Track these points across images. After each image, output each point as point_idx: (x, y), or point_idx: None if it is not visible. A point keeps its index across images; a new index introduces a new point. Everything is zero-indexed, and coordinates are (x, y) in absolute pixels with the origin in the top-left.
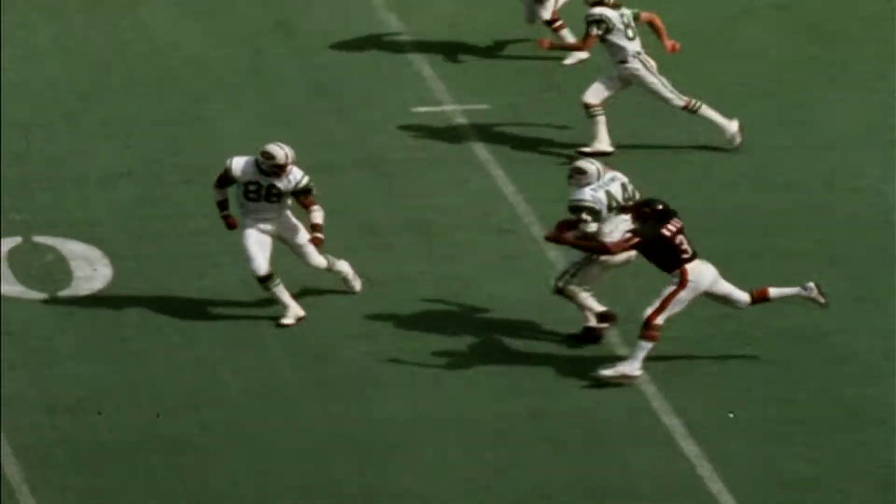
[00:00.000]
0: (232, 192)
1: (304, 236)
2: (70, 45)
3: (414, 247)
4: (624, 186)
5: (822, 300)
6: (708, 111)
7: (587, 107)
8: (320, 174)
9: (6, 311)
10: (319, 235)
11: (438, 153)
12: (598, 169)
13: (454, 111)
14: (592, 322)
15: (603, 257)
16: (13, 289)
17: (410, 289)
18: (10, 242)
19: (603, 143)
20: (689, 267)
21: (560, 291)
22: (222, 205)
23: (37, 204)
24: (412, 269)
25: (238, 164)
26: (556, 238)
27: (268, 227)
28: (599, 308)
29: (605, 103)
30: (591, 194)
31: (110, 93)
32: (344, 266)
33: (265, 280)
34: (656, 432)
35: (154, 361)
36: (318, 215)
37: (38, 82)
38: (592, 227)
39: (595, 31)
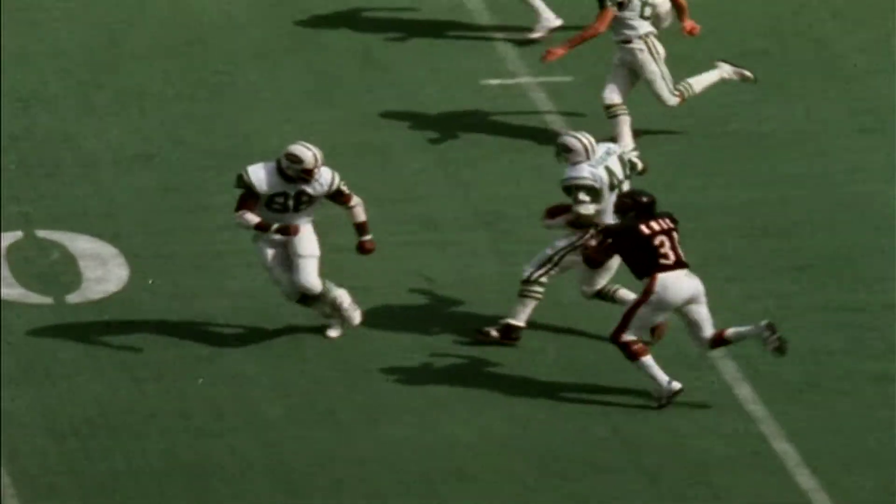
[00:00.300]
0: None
1: (310, 248)
2: (79, 7)
3: (481, 243)
4: (621, 160)
5: (776, 344)
6: (700, 83)
7: (608, 107)
8: (372, 158)
9: (5, 318)
10: (369, 239)
11: (511, 133)
12: (586, 145)
13: (530, 84)
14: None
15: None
16: (13, 292)
17: (476, 292)
18: (9, 238)
19: (627, 145)
20: (661, 276)
21: (529, 282)
22: (261, 227)
23: (40, 193)
24: (479, 268)
25: (258, 175)
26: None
27: (279, 236)
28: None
29: (626, 98)
30: (590, 171)
31: (126, 62)
32: (340, 294)
33: (301, 301)
34: (766, 460)
35: (176, 377)
36: (360, 211)
37: (41, 50)
38: (590, 208)
39: (610, 5)
